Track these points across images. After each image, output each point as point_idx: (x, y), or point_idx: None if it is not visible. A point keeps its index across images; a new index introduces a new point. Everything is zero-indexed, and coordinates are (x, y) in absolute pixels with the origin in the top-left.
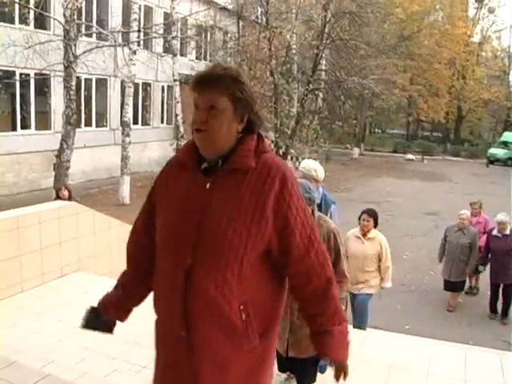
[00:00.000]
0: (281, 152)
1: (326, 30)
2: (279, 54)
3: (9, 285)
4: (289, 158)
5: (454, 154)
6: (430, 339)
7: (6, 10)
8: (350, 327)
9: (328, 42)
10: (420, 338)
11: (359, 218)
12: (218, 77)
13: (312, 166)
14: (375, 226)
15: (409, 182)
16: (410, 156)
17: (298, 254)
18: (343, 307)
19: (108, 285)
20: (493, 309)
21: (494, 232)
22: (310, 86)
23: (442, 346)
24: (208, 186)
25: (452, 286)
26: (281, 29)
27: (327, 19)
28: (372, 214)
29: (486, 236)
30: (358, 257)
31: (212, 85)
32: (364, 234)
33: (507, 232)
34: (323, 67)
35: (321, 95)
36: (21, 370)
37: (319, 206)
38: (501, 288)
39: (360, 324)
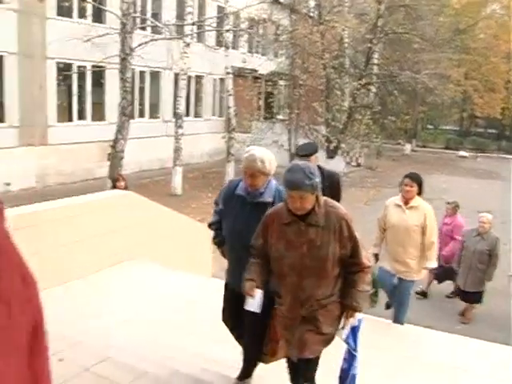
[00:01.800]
0: (332, 147)
1: (380, 24)
2: (332, 47)
3: (66, 270)
4: (339, 152)
5: (509, 151)
6: (488, 342)
7: (66, 4)
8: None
9: (381, 35)
10: (477, 340)
11: (400, 184)
12: None
13: (258, 155)
14: (419, 193)
15: (462, 179)
16: (462, 153)
17: None
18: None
19: (161, 273)
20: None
21: None
22: (363, 80)
23: (500, 350)
24: None
25: (466, 297)
26: (333, 22)
27: (380, 12)
28: (416, 179)
29: (452, 242)
30: (398, 228)
31: None
32: (406, 202)
33: None
34: (376, 61)
35: (373, 89)
36: (85, 351)
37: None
38: None
39: (398, 314)
